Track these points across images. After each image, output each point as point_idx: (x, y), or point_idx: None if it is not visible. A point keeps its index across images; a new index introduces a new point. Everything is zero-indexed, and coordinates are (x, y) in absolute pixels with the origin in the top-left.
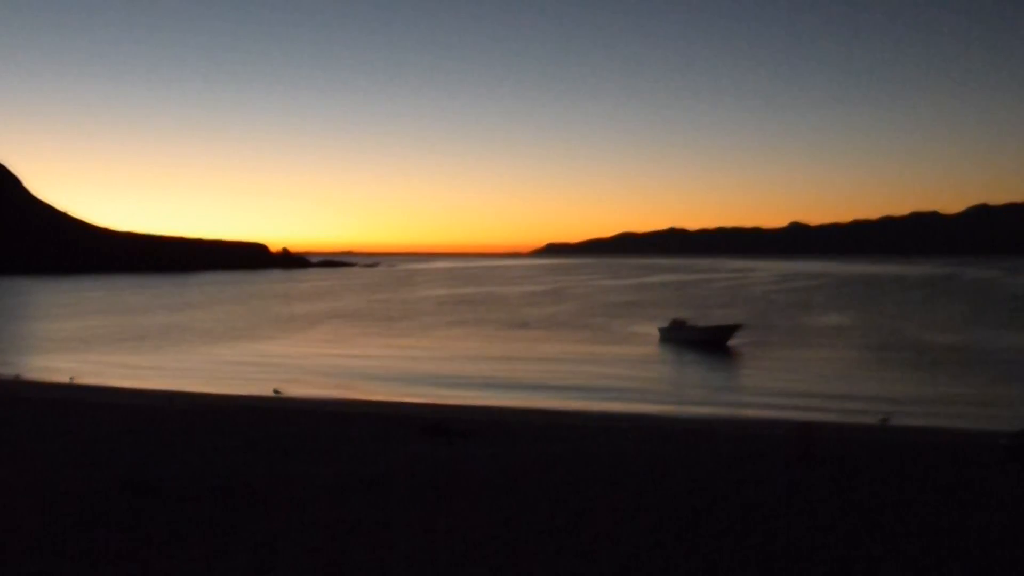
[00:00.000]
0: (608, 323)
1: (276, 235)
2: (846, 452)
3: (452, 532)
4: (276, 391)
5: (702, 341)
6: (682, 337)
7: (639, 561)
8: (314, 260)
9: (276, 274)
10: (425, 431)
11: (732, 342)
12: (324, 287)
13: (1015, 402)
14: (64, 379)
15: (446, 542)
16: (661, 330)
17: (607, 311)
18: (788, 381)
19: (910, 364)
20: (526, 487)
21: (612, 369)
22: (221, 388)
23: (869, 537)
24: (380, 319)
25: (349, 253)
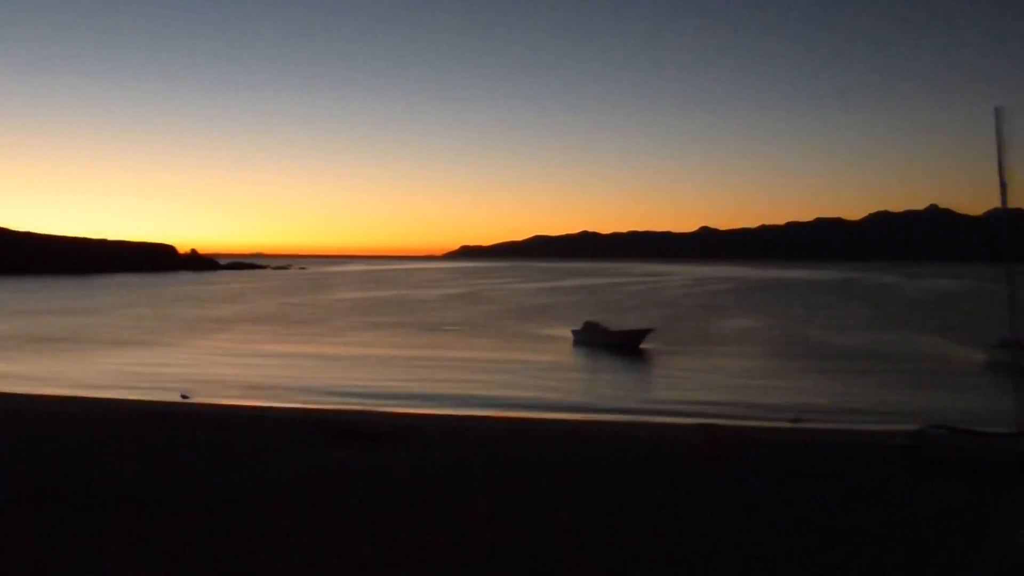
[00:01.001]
0: (522, 326)
1: (184, 236)
2: (751, 452)
3: (364, 536)
4: (184, 396)
5: (615, 344)
6: (595, 340)
7: (550, 562)
8: (224, 262)
9: (185, 276)
10: (337, 436)
11: (644, 345)
12: (234, 289)
13: (912, 403)
14: None
15: (357, 547)
16: (574, 333)
17: (521, 314)
18: (698, 383)
19: (816, 366)
20: (439, 490)
21: (525, 371)
22: (127, 393)
23: (770, 535)
24: (292, 322)
25: (260, 255)
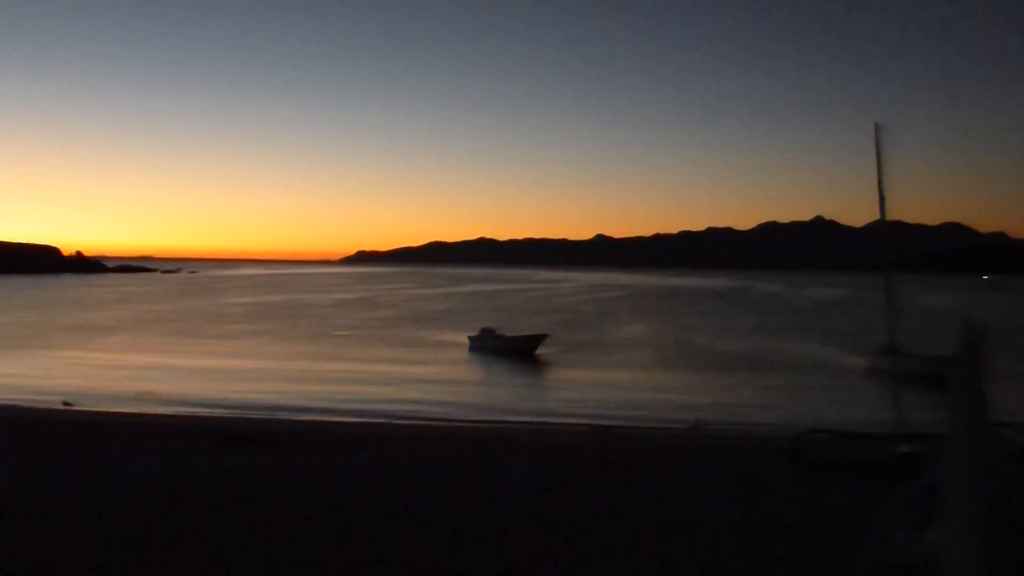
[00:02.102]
0: (418, 332)
1: (69, 238)
2: (644, 456)
3: (250, 545)
4: (66, 403)
5: (511, 350)
6: (491, 346)
7: (440, 568)
8: (110, 265)
9: (69, 279)
10: (226, 442)
11: (540, 351)
12: (122, 293)
13: (797, 407)
14: None
15: (244, 555)
16: (471, 338)
17: (417, 319)
18: (592, 388)
19: (706, 372)
20: (330, 496)
21: (421, 377)
22: (4, 400)
23: (660, 537)
24: (181, 327)
25: (149, 258)
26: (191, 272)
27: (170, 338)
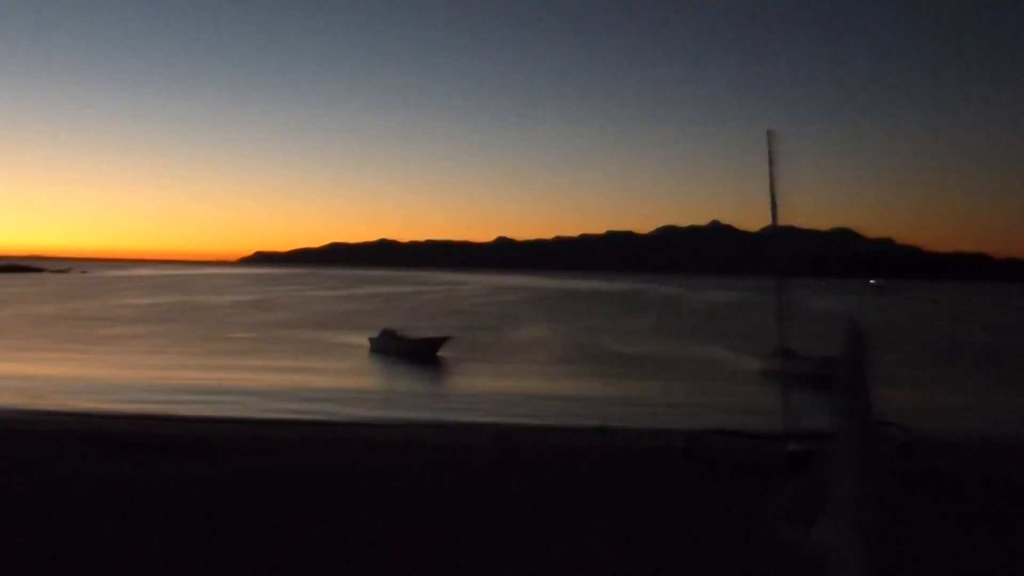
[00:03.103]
0: (317, 334)
1: None
2: (544, 457)
3: (143, 552)
4: None
5: (412, 352)
6: (392, 348)
7: (334, 571)
8: None
9: None
10: (119, 447)
11: (442, 353)
12: (7, 294)
13: (693, 407)
14: None
15: (137, 563)
16: (371, 340)
17: (316, 322)
18: (493, 390)
19: (605, 373)
20: (227, 502)
21: (320, 380)
22: None
23: (558, 537)
24: (71, 328)
25: (38, 257)
26: (82, 272)
27: (57, 341)
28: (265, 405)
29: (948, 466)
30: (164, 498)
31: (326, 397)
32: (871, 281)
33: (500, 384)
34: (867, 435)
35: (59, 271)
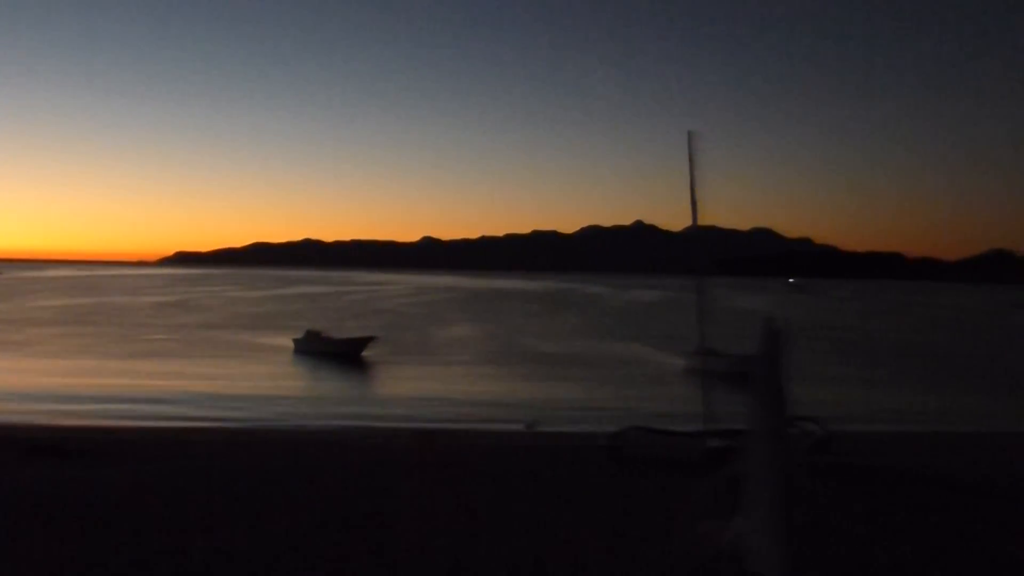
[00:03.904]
0: (239, 335)
1: None
2: (470, 457)
3: (59, 558)
4: None
5: (337, 353)
6: (317, 349)
7: (254, 574)
8: None
9: None
10: (33, 452)
11: (366, 353)
12: None
13: (617, 405)
14: None
15: (53, 570)
16: (295, 341)
17: (239, 322)
18: (419, 390)
19: (531, 372)
20: (146, 506)
21: (243, 381)
22: None
23: (482, 535)
24: None
25: None
26: None
27: None
28: (185, 408)
29: (862, 460)
30: (80, 503)
31: (248, 399)
32: (790, 280)
33: (425, 384)
34: (782, 430)
35: None
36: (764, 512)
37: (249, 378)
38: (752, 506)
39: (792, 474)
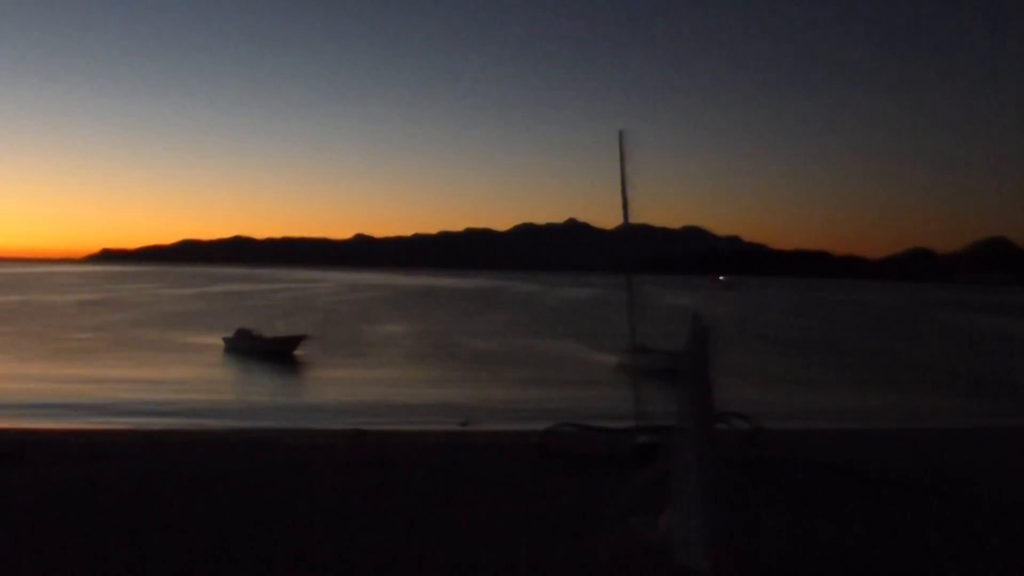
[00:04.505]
0: (169, 333)
1: None
2: (401, 456)
3: None
4: None
5: (268, 351)
6: (247, 347)
7: None
8: None
9: None
10: None
11: (298, 352)
12: None
13: (550, 403)
14: None
15: None
16: (226, 340)
17: (168, 321)
18: (351, 389)
19: (464, 370)
20: (73, 508)
21: (172, 381)
22: None
23: (413, 534)
24: None
25: None
26: None
27: None
28: (111, 408)
29: (789, 455)
30: (3, 507)
31: (177, 399)
32: (720, 277)
33: (357, 383)
34: (709, 425)
35: None
36: (692, 506)
37: (177, 378)
38: (680, 501)
39: (719, 469)
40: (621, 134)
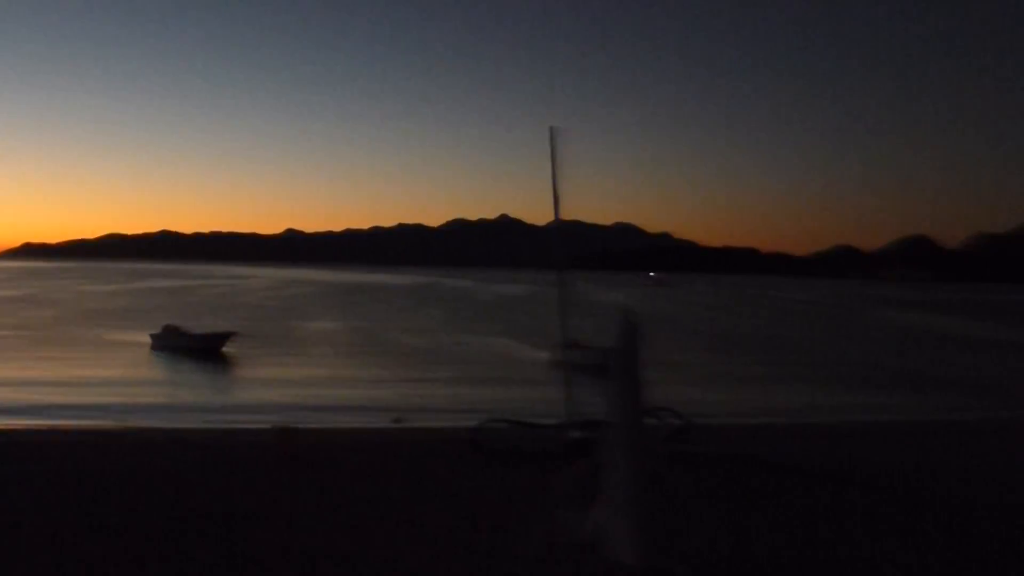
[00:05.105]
0: (93, 330)
1: None
2: (333, 454)
3: None
4: None
5: (196, 348)
6: (175, 344)
7: None
8: None
9: None
10: None
11: (226, 349)
12: None
13: (483, 399)
14: None
15: None
16: (153, 337)
17: (93, 318)
18: (281, 386)
19: (397, 366)
20: None
21: (95, 379)
22: None
23: (345, 532)
24: None
25: None
26: None
27: None
28: (32, 408)
29: (718, 449)
30: None
31: (102, 397)
32: (651, 274)
33: (287, 380)
34: (641, 420)
35: None
36: (622, 500)
37: (101, 376)
38: (611, 494)
39: (649, 464)
40: (552, 131)
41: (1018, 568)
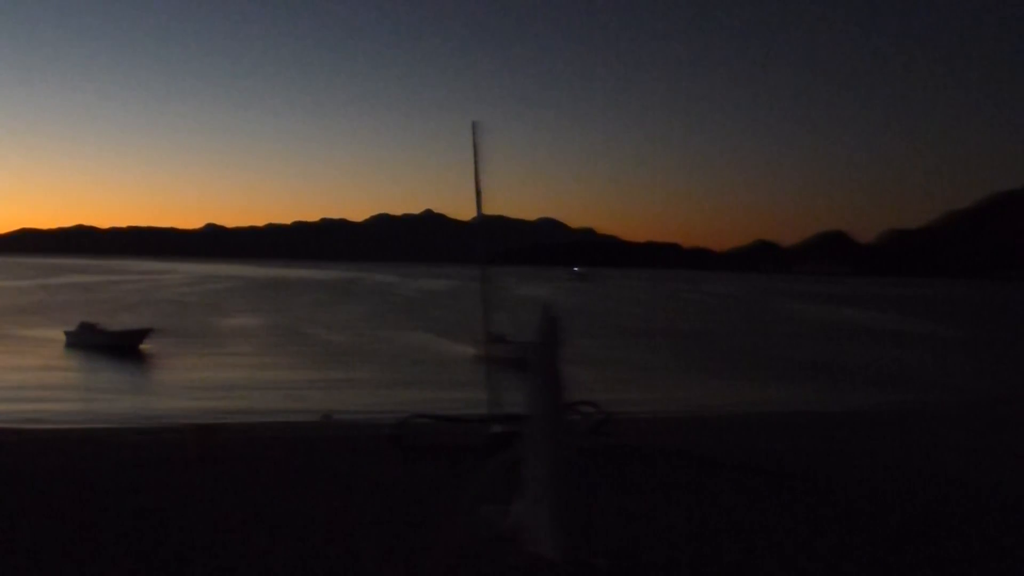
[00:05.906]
0: (5, 327)
1: None
2: (251, 451)
3: None
4: None
5: (112, 345)
6: (91, 341)
7: None
8: None
9: None
10: None
11: (144, 346)
12: None
13: (406, 394)
14: None
15: None
16: (67, 334)
17: (5, 315)
18: (199, 383)
19: (318, 363)
20: None
21: (9, 378)
22: None
23: (263, 528)
24: None
25: None
26: None
27: None
28: None
29: (637, 441)
30: None
31: (13, 396)
32: (574, 269)
33: (207, 377)
34: (560, 414)
35: None
36: (542, 493)
37: (14, 373)
38: (531, 488)
39: (569, 457)
40: (475, 125)
41: (915, 547)
